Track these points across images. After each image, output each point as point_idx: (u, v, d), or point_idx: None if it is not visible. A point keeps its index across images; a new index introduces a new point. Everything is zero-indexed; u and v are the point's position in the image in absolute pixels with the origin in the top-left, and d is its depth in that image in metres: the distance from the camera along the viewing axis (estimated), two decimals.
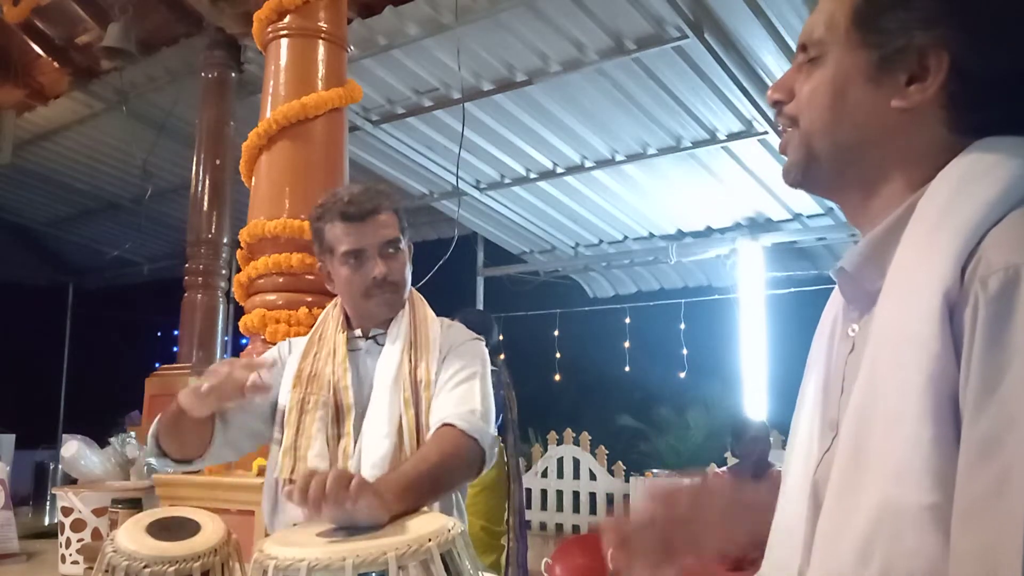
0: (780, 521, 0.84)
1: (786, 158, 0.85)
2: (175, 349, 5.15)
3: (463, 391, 1.53)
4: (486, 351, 1.67)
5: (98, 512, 2.03)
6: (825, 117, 0.80)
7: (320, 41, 2.76)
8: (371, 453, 1.48)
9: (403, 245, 1.62)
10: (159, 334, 10.45)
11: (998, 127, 0.74)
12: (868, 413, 0.69)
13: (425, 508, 1.27)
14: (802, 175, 0.84)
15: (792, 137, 0.84)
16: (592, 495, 6.24)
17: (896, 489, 0.65)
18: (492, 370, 1.72)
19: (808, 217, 6.11)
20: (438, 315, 1.69)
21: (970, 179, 0.71)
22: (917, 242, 0.71)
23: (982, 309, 0.63)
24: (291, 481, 1.51)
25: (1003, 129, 0.73)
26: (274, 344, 1.95)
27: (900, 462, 0.65)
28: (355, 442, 1.52)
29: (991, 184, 0.69)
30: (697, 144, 5.23)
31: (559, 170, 5.84)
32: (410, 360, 1.57)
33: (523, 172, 5.97)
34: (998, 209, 0.67)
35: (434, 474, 1.35)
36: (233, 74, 4.53)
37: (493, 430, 1.52)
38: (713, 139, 5.15)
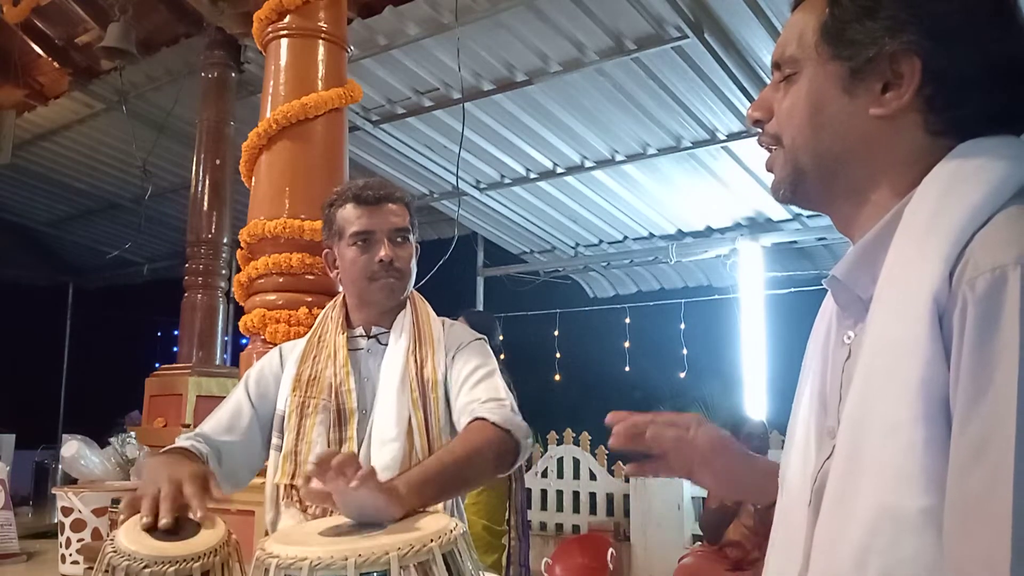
0: (779, 528, 0.84)
1: (773, 176, 0.86)
2: (175, 349, 5.15)
3: (487, 386, 1.51)
4: (491, 351, 1.67)
5: (98, 512, 2.03)
6: (806, 132, 0.81)
7: (320, 41, 2.76)
8: (380, 457, 1.45)
9: (411, 238, 1.63)
10: (159, 334, 10.45)
11: (976, 126, 0.74)
12: (862, 420, 0.69)
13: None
14: (791, 191, 0.84)
15: (777, 155, 0.84)
16: (592, 495, 6.23)
17: (892, 495, 0.65)
18: None
19: (808, 217, 6.11)
20: (439, 315, 1.68)
21: (956, 183, 0.71)
22: (906, 247, 0.71)
23: (970, 311, 0.63)
24: (291, 486, 1.50)
25: (981, 127, 0.74)
26: (275, 344, 1.94)
27: (895, 467, 0.65)
28: (359, 446, 1.50)
29: (976, 187, 0.69)
30: (697, 144, 5.23)
31: (559, 170, 5.83)
32: (416, 360, 1.56)
33: (523, 172, 5.97)
34: (984, 211, 0.68)
35: (459, 467, 1.32)
36: (233, 74, 4.52)
37: (523, 421, 1.49)
38: (713, 139, 5.15)
